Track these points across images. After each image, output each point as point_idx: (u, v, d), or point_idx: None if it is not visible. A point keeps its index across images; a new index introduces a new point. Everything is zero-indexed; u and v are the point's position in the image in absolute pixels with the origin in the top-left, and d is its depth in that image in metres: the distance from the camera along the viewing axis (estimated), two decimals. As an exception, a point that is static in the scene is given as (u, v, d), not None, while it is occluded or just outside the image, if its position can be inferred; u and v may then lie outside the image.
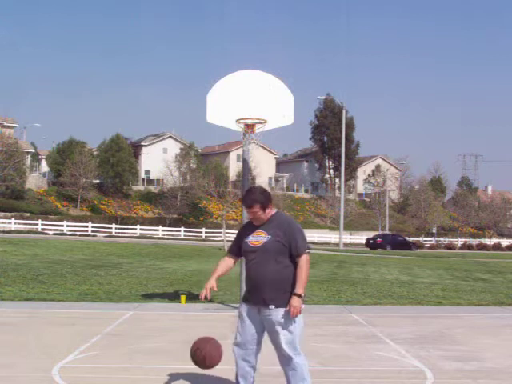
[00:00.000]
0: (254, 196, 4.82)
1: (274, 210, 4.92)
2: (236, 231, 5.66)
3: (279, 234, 4.78)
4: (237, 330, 4.97)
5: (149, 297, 12.16)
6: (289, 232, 4.79)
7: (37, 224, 48.45)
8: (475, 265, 30.25)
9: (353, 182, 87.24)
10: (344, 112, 51.82)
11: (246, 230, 4.96)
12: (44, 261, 20.56)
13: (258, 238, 4.81)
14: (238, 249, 4.98)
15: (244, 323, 4.90)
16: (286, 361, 4.82)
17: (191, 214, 63.71)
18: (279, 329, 4.77)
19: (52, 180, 65.09)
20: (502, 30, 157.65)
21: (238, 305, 8.43)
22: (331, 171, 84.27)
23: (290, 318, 4.73)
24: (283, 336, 4.77)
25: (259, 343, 4.93)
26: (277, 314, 4.76)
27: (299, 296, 4.69)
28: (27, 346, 7.22)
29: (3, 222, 47.59)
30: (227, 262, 5.05)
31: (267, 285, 4.74)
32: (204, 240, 51.26)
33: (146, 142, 76.05)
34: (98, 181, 63.89)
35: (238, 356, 4.93)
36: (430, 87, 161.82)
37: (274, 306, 4.75)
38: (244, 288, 5.36)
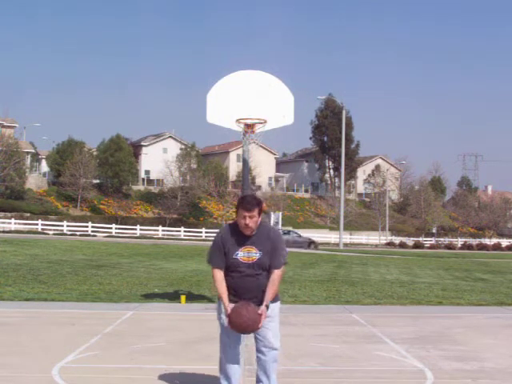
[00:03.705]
0: (254, 200, 4.85)
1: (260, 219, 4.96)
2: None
3: (268, 250, 4.82)
4: (223, 331, 4.93)
5: (149, 297, 12.16)
6: (276, 246, 4.85)
7: (37, 224, 48.46)
8: (475, 265, 30.25)
9: (353, 181, 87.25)
10: (344, 112, 51.82)
11: (231, 244, 4.85)
12: (44, 261, 20.56)
13: (250, 255, 4.82)
14: (223, 262, 4.87)
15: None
16: (270, 352, 4.90)
17: (191, 214, 63.71)
18: (270, 322, 4.86)
19: (52, 180, 65.08)
20: (502, 30, 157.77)
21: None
22: (331, 171, 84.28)
23: (276, 313, 4.92)
24: (273, 329, 4.90)
25: (243, 341, 5.00)
26: (271, 307, 4.88)
27: (267, 306, 4.77)
28: (27, 346, 7.21)
29: (3, 222, 47.58)
30: (223, 277, 4.90)
31: (261, 294, 4.82)
32: (204, 240, 51.22)
33: (146, 142, 76.05)
34: (97, 181, 63.89)
35: (226, 357, 4.91)
36: (430, 87, 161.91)
37: (269, 303, 4.88)
38: None
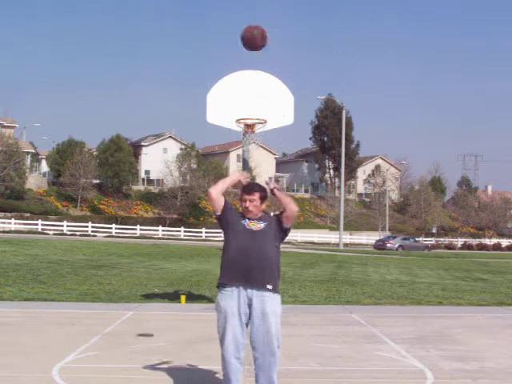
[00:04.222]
0: (255, 185, 5.03)
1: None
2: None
3: (272, 225, 4.92)
4: (222, 325, 4.85)
5: (149, 297, 12.16)
6: (275, 220, 4.97)
7: (37, 224, 48.42)
8: (475, 265, 30.26)
9: (353, 182, 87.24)
10: (344, 112, 51.82)
11: (236, 216, 4.98)
12: (44, 261, 20.55)
13: (255, 226, 4.90)
14: (226, 203, 5.02)
15: (231, 315, 4.81)
16: (270, 350, 4.77)
17: (191, 214, 63.71)
18: (271, 316, 4.77)
19: (52, 180, 65.07)
20: (502, 30, 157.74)
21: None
22: (331, 171, 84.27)
23: (274, 308, 4.80)
24: (274, 324, 4.79)
25: (245, 336, 4.87)
26: (271, 299, 4.79)
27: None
28: (27, 346, 7.21)
29: (3, 222, 47.55)
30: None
31: (265, 266, 4.78)
32: (204, 240, 51.26)
33: (146, 142, 76.06)
34: (97, 181, 63.89)
35: (228, 353, 4.80)
36: (430, 87, 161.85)
37: (271, 287, 4.79)
38: None
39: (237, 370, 4.85)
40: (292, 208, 4.92)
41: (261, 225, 4.90)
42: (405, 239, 53.86)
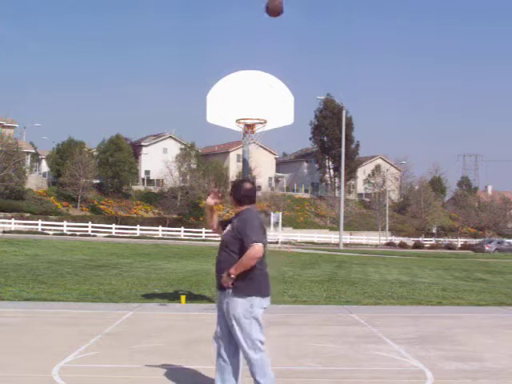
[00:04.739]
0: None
1: (246, 207, 5.00)
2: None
3: (234, 228, 4.93)
4: (217, 324, 5.07)
5: (149, 297, 12.16)
6: (240, 228, 4.86)
7: (37, 224, 48.40)
8: (475, 265, 30.27)
9: (353, 182, 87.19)
10: (344, 112, 51.80)
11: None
12: (44, 261, 20.57)
13: (227, 229, 5.06)
14: (219, 224, 5.19)
15: (217, 312, 5.05)
16: (242, 350, 4.85)
17: (191, 214, 63.71)
18: (232, 318, 4.81)
19: (52, 180, 65.04)
20: (502, 30, 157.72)
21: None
22: (331, 171, 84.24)
23: (239, 314, 4.76)
24: (237, 325, 4.80)
25: (230, 335, 4.90)
26: (232, 302, 4.81)
27: (228, 274, 4.77)
28: (27, 346, 7.21)
29: (3, 222, 47.53)
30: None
31: (220, 272, 4.91)
32: (204, 240, 51.23)
33: (146, 142, 76.04)
34: (97, 181, 63.86)
35: (215, 348, 5.00)
36: (430, 87, 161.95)
37: (230, 291, 4.82)
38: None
39: (219, 366, 4.95)
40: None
41: (228, 228, 5.02)
42: (499, 243, 60.10)
